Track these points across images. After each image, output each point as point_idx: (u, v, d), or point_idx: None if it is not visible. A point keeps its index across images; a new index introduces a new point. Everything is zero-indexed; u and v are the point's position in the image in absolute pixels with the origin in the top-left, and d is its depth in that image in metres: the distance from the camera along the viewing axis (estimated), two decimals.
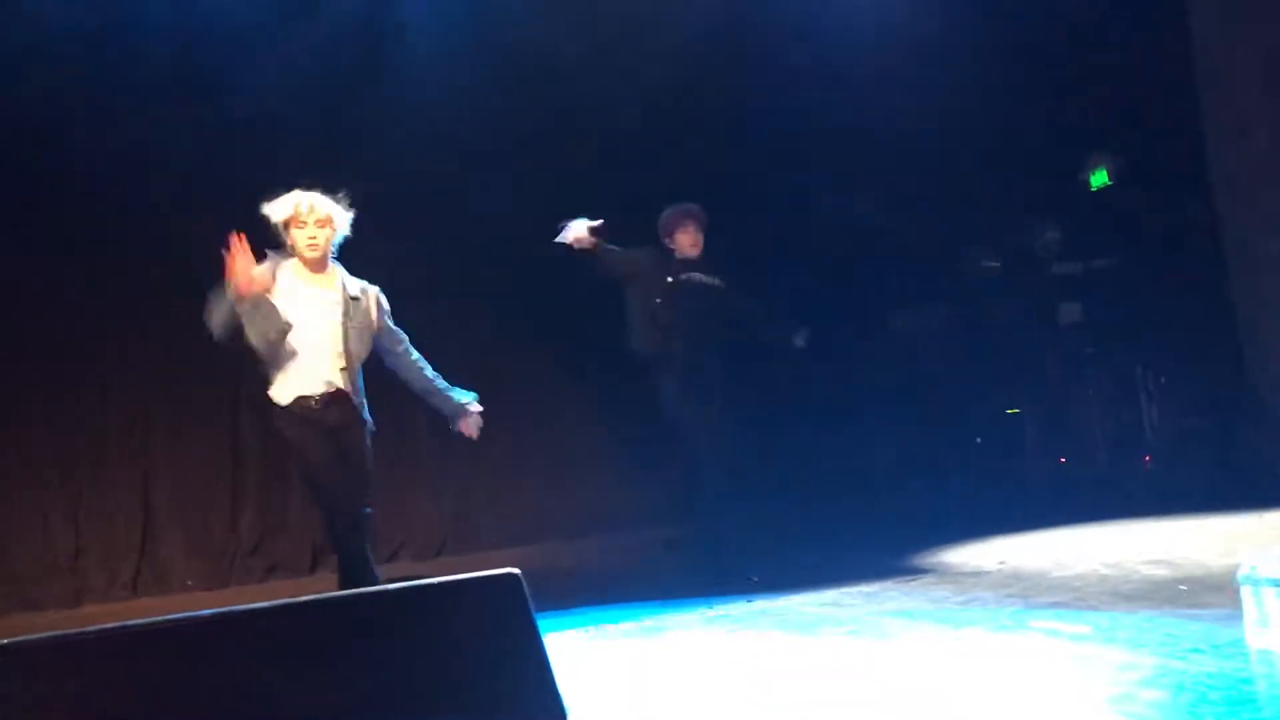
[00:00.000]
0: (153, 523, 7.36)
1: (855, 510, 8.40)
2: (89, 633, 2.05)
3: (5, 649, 1.93)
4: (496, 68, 7.94)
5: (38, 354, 7.18)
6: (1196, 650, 3.15)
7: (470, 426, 4.83)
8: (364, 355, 4.61)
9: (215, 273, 4.47)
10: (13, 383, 7.10)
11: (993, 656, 3.38)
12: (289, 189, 4.58)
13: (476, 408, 4.80)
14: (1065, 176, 8.82)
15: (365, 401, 4.61)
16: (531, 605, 2.34)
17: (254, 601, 2.50)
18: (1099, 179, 8.67)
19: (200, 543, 7.46)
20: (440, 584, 2.35)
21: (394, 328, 4.75)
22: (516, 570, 2.31)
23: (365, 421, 4.59)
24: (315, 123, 7.69)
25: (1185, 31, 7.22)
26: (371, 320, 4.63)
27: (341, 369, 4.49)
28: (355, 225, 4.66)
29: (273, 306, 4.38)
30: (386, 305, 4.74)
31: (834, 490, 8.78)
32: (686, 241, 6.02)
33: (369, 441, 4.61)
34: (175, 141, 7.38)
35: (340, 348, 4.50)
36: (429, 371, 4.81)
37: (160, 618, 2.17)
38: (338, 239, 4.60)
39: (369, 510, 4.57)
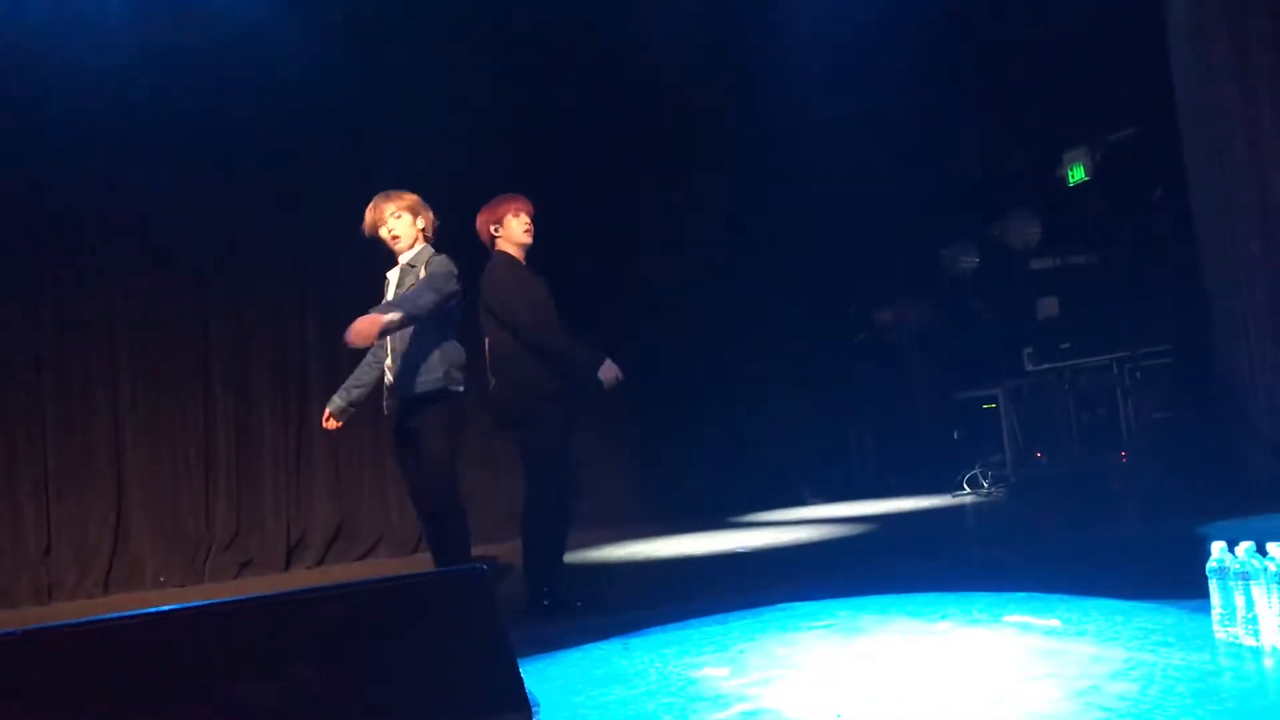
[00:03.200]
0: (125, 518, 7.32)
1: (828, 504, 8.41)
2: (60, 627, 2.03)
3: None
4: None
5: (9, 351, 7.12)
6: (1165, 643, 3.16)
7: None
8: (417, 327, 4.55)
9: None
10: None
11: (966, 650, 3.39)
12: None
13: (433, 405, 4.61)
14: (1043, 172, 8.86)
15: (424, 367, 4.51)
16: (498, 601, 2.33)
17: (224, 596, 2.48)
18: (1077, 175, 8.70)
19: (173, 539, 7.41)
20: (406, 580, 2.34)
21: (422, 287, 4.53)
22: (483, 566, 2.29)
23: (409, 395, 4.53)
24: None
25: (1163, 27, 7.25)
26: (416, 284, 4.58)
27: (399, 339, 4.56)
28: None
29: None
30: (434, 270, 4.57)
31: (811, 485, 8.83)
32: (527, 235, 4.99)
33: (427, 419, 4.51)
34: (156, 134, 7.40)
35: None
36: (436, 354, 4.58)
37: (129, 613, 2.14)
38: (408, 227, 4.68)
39: (432, 507, 4.55)
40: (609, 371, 4.69)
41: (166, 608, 2.21)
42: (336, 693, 2.13)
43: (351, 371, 4.88)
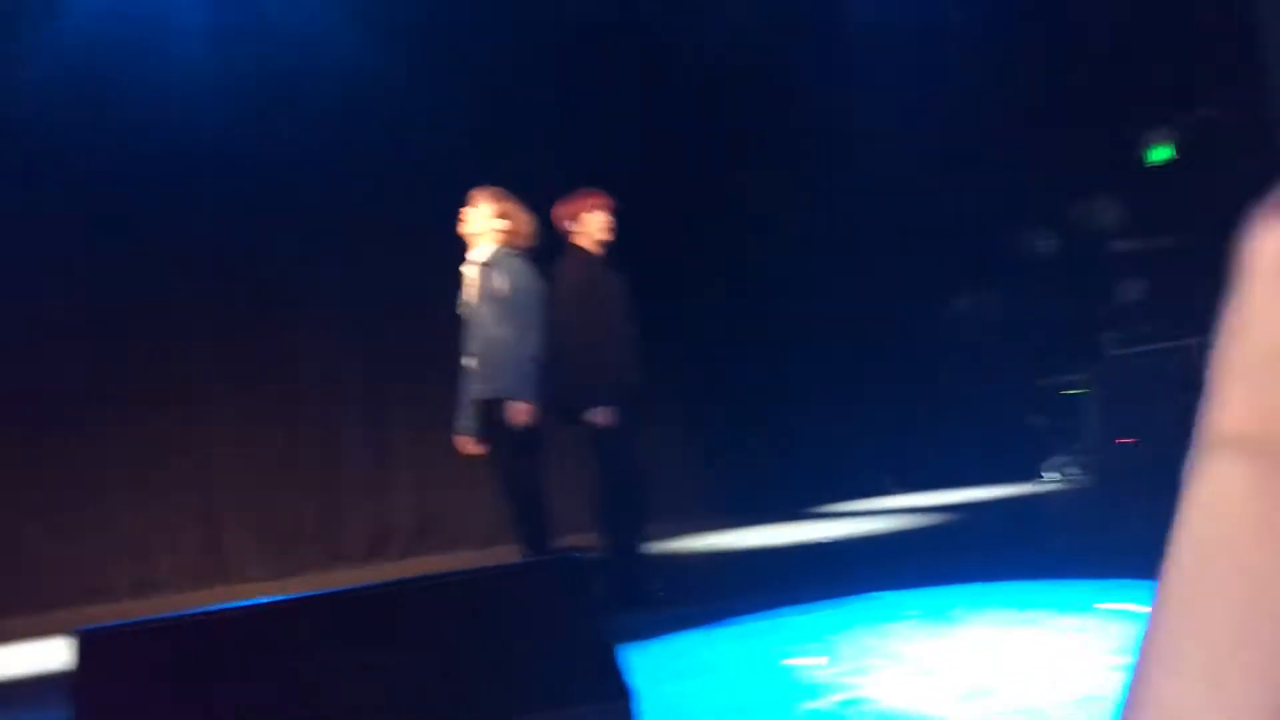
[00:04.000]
0: (217, 515, 7.50)
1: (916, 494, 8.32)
2: (169, 619, 2.09)
3: (90, 635, 1.97)
4: None
5: (104, 354, 7.34)
6: None
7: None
8: (493, 324, 4.62)
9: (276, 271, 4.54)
10: (85, 382, 7.27)
11: (1062, 641, 3.33)
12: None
13: (517, 406, 4.58)
14: (1126, 152, 8.66)
15: (506, 363, 4.58)
16: (593, 589, 2.34)
17: (314, 589, 2.52)
18: (1160, 154, 8.49)
19: (263, 534, 7.57)
20: (502, 569, 2.36)
21: (516, 297, 4.64)
22: (579, 554, 2.30)
23: (495, 396, 4.58)
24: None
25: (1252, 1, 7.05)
26: (498, 286, 4.66)
27: (475, 338, 4.69)
28: None
29: None
30: (513, 271, 4.68)
31: (893, 475, 8.76)
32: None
33: (507, 415, 4.54)
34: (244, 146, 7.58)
35: (470, 317, 4.75)
36: (514, 354, 4.63)
37: (235, 603, 2.20)
38: (484, 218, 4.75)
39: (515, 500, 4.64)
40: (600, 416, 4.63)
41: (267, 599, 2.26)
42: (437, 682, 2.16)
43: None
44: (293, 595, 2.24)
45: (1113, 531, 5.78)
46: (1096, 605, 3.73)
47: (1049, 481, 8.17)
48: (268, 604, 2.22)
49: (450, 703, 2.15)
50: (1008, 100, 8.57)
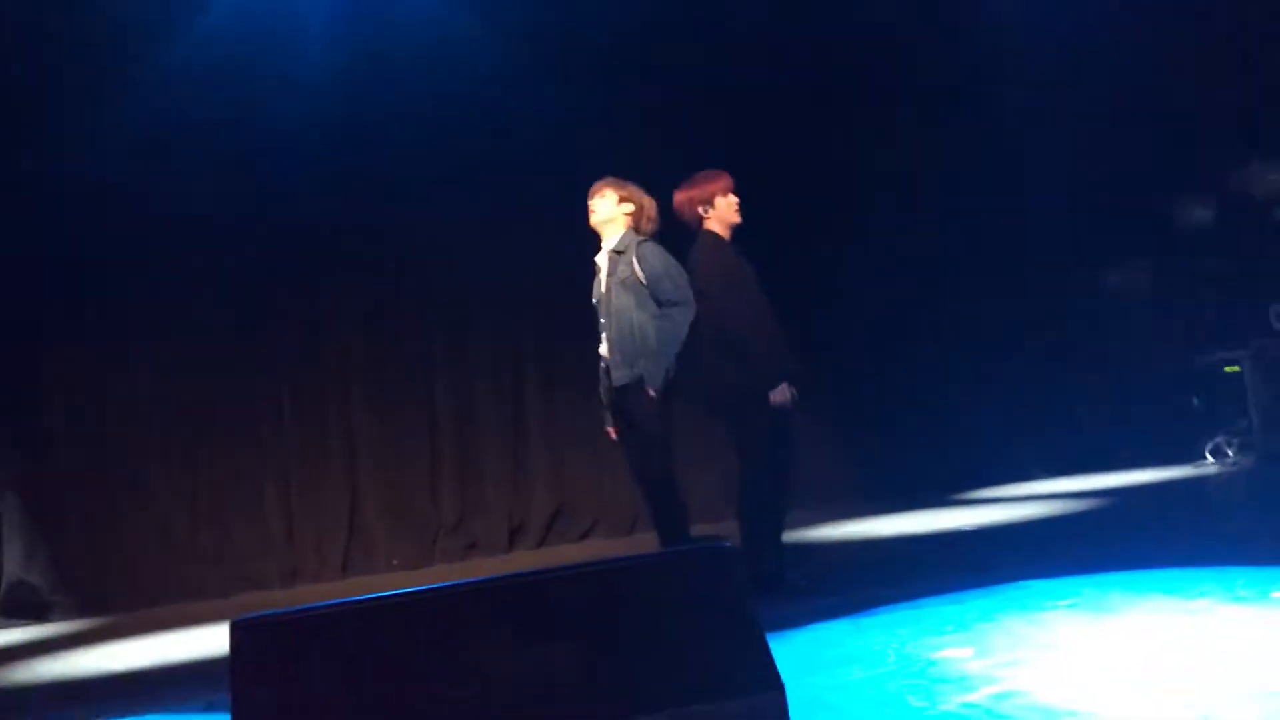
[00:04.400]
0: (359, 505, 7.70)
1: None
2: (323, 607, 2.13)
3: (245, 624, 2.01)
4: None
5: (252, 352, 7.62)
6: None
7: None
8: (630, 310, 4.63)
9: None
10: (230, 376, 7.57)
11: (1230, 632, 3.14)
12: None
13: (650, 390, 4.57)
14: None
15: (649, 358, 4.56)
16: (740, 577, 2.30)
17: (456, 579, 2.54)
18: None
19: (404, 523, 7.75)
20: (653, 558, 2.34)
21: (655, 282, 4.62)
22: (728, 543, 2.26)
23: (631, 383, 4.59)
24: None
25: None
26: (633, 272, 4.66)
27: (603, 324, 4.73)
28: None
29: None
30: (648, 256, 4.66)
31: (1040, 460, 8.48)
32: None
33: (642, 402, 4.55)
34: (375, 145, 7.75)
35: (604, 305, 4.76)
36: (652, 340, 4.60)
37: (390, 592, 2.22)
38: (610, 206, 4.78)
39: (649, 488, 4.67)
40: (780, 395, 4.53)
41: (422, 588, 2.28)
42: (589, 672, 2.14)
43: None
44: (447, 583, 2.25)
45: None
46: (1272, 593, 3.51)
47: (1210, 464, 7.76)
48: (422, 592, 2.23)
49: (604, 693, 2.14)
50: (1159, 62, 8.15)
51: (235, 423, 7.56)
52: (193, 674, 4.70)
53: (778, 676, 2.15)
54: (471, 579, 2.27)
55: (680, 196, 4.84)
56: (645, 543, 6.63)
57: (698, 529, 5.23)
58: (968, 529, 6.30)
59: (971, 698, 2.79)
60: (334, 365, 7.84)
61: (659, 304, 4.62)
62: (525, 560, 7.45)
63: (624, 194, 4.80)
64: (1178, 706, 2.48)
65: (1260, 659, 2.80)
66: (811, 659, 3.43)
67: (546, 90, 7.73)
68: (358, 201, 7.78)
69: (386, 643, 2.04)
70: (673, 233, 4.90)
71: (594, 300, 4.88)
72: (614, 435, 4.86)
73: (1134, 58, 8.20)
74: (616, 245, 4.76)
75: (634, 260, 4.67)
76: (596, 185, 4.84)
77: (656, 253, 4.68)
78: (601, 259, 4.84)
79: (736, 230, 4.84)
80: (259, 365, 7.65)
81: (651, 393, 4.52)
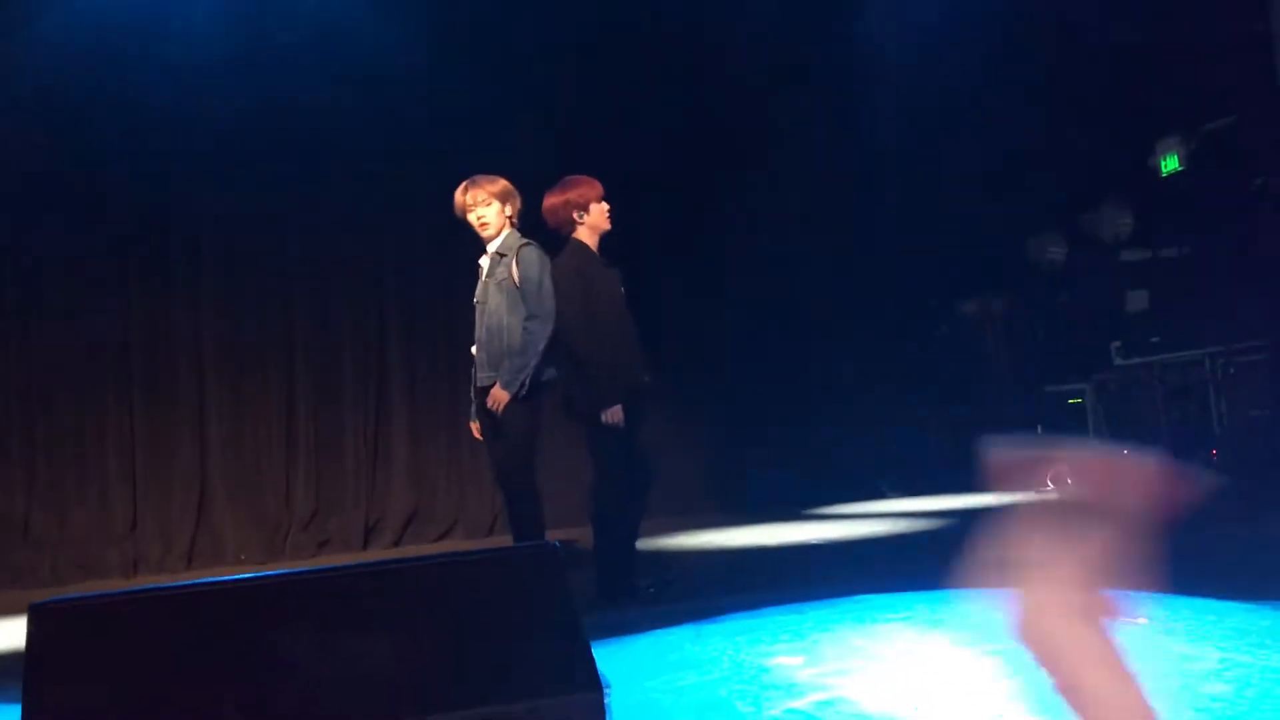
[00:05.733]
0: (208, 497, 7.48)
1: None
2: (126, 594, 2.06)
3: (44, 609, 1.94)
4: None
5: (99, 336, 7.35)
6: (1261, 644, 3.03)
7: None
8: (501, 313, 4.60)
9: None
10: (82, 362, 7.29)
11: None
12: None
13: (499, 394, 4.52)
14: (1135, 161, 8.59)
15: (506, 354, 4.53)
16: (570, 580, 2.31)
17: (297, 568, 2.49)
18: (1170, 164, 8.42)
19: (254, 517, 7.56)
20: (476, 555, 2.33)
21: (526, 288, 4.58)
22: (556, 543, 2.27)
23: (492, 381, 4.55)
24: None
25: (1264, 8, 6.98)
26: (510, 275, 4.63)
27: (481, 326, 4.71)
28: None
29: None
30: (527, 261, 4.61)
31: (890, 479, 8.72)
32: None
33: (507, 405, 4.49)
34: (241, 129, 7.58)
35: (481, 305, 4.74)
36: (516, 345, 4.56)
37: (195, 581, 2.17)
38: (497, 214, 4.71)
39: (507, 490, 4.66)
40: (613, 415, 4.53)
41: (233, 577, 2.23)
42: (405, 667, 2.12)
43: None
44: (259, 574, 2.21)
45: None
46: None
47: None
48: (229, 582, 2.18)
49: (418, 688, 2.12)
50: (1017, 108, 8.52)
51: (79, 404, 7.27)
52: (16, 663, 4.48)
53: (598, 677, 2.16)
54: (281, 570, 2.23)
55: (554, 200, 4.75)
56: (502, 544, 6.58)
57: (555, 535, 5.22)
58: (815, 543, 6.46)
59: (797, 704, 2.85)
60: (187, 355, 7.61)
61: (524, 308, 4.62)
62: (379, 558, 7.33)
63: (499, 193, 4.74)
64: (985, 714, 2.59)
65: None
66: (650, 663, 3.47)
67: (417, 76, 7.73)
68: (220, 191, 7.62)
69: (188, 632, 1.99)
70: (534, 228, 4.88)
71: (475, 300, 4.83)
72: (477, 433, 4.83)
73: (999, 100, 8.53)
74: (499, 248, 4.73)
75: (513, 264, 4.65)
76: (473, 194, 4.72)
77: (534, 260, 4.65)
78: (484, 260, 4.81)
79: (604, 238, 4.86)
80: (107, 352, 7.38)
81: (505, 396, 4.51)
